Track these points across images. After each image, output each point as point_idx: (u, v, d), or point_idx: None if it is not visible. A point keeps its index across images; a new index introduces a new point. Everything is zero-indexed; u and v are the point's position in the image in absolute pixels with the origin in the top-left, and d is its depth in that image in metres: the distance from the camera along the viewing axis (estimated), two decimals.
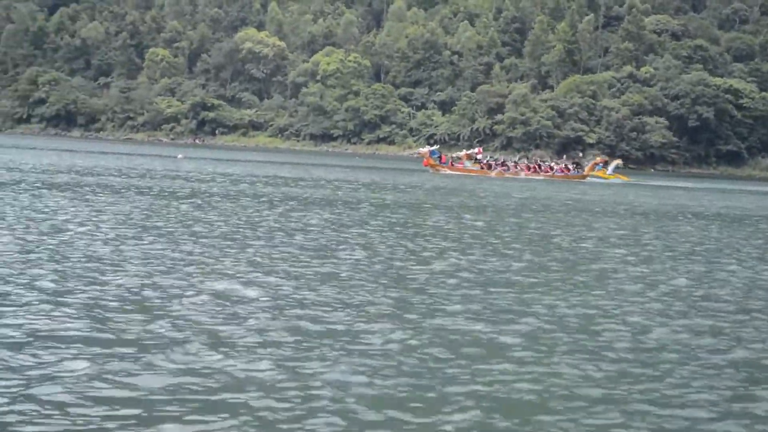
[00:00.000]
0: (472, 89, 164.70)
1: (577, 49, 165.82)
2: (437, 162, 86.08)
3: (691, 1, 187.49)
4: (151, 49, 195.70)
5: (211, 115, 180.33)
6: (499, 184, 68.69)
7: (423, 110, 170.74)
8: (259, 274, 16.98)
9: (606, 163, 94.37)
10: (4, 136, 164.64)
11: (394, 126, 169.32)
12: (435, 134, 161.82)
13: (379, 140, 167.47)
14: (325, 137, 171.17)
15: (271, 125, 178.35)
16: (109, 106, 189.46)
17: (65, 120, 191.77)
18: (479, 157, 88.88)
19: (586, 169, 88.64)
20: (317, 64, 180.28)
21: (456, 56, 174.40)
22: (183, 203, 32.89)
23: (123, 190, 37.30)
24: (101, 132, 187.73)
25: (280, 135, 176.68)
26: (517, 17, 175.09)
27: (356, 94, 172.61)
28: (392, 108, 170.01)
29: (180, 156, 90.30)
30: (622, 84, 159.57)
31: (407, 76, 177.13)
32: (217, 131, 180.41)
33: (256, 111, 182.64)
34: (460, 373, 10.82)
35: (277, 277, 16.78)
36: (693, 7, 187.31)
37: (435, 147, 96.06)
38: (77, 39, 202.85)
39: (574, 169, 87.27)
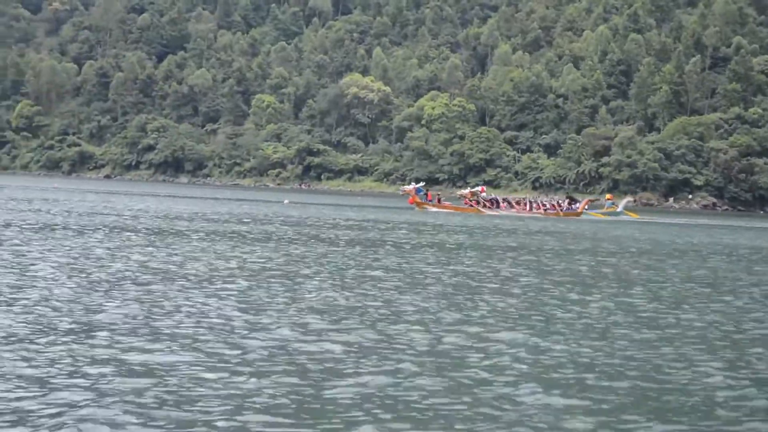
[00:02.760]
0: (578, 132, 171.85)
1: (683, 91, 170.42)
2: (423, 200, 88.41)
3: None
4: (257, 96, 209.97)
5: (317, 160, 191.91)
6: (510, 219, 72.45)
7: (528, 153, 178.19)
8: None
9: (593, 203, 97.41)
10: (115, 182, 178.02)
11: (499, 169, 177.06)
12: (540, 177, 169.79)
13: (484, 184, 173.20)
14: (431, 181, 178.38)
15: (377, 170, 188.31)
16: (216, 152, 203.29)
17: (173, 166, 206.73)
18: (483, 195, 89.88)
19: (580, 206, 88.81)
20: (422, 108, 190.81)
21: (561, 99, 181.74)
22: (382, 251, 32.78)
23: (307, 239, 37.46)
24: (208, 178, 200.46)
25: (385, 179, 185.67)
26: (622, 59, 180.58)
27: (461, 137, 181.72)
28: (497, 151, 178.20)
29: (286, 201, 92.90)
30: (729, 125, 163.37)
31: (512, 119, 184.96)
32: (322, 176, 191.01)
33: (362, 156, 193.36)
34: None
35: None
36: None
37: (420, 184, 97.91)
38: (185, 86, 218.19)
39: (567, 206, 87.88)
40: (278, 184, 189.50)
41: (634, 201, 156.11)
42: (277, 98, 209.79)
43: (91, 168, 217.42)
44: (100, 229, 37.29)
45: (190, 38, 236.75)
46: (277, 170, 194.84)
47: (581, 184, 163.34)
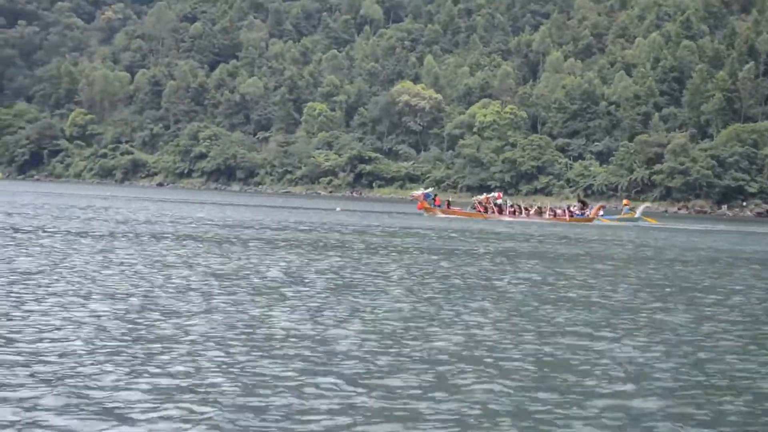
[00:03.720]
0: (630, 139, 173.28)
1: (737, 98, 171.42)
2: (431, 205, 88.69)
3: None
4: (309, 104, 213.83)
5: (368, 168, 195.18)
6: (522, 226, 72.61)
7: (580, 161, 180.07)
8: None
9: (603, 209, 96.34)
10: (168, 190, 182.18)
11: (551, 177, 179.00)
12: (592, 185, 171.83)
13: (536, 191, 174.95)
14: (482, 189, 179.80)
15: (428, 177, 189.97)
16: (268, 160, 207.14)
17: (225, 174, 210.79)
18: (499, 201, 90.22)
19: (592, 212, 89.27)
20: (473, 115, 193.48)
21: (613, 106, 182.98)
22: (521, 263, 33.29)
23: (380, 247, 37.87)
24: (260, 186, 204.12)
25: (437, 187, 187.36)
26: (675, 66, 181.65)
27: (513, 145, 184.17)
28: (549, 159, 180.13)
29: (338, 209, 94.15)
30: None
31: (564, 126, 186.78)
32: (374, 184, 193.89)
33: (413, 163, 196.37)
34: None
35: None
36: None
37: (429, 190, 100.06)
38: (237, 94, 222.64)
39: (579, 212, 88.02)
40: (330, 192, 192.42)
41: (686, 208, 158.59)
42: (329, 106, 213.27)
43: (143, 176, 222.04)
44: (190, 237, 39.11)
45: (241, 47, 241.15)
46: (328, 178, 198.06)
47: (633, 191, 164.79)
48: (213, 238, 39.62)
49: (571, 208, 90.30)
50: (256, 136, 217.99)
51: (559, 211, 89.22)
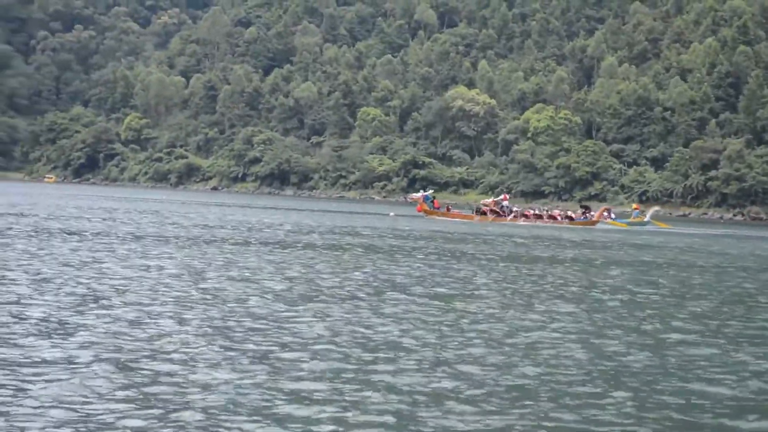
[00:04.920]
0: (685, 145, 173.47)
1: None
2: (431, 207, 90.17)
3: None
4: (362, 108, 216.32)
5: (422, 172, 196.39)
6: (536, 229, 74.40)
7: (635, 167, 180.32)
8: None
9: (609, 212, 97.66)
10: (223, 194, 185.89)
11: (605, 183, 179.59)
12: (647, 191, 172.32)
13: (590, 197, 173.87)
14: (536, 194, 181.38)
15: (482, 182, 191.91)
16: (322, 164, 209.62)
17: (279, 178, 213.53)
18: (505, 203, 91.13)
19: (596, 215, 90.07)
20: (528, 121, 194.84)
21: (668, 112, 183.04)
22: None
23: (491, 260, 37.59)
24: (313, 190, 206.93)
25: (490, 192, 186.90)
26: (731, 72, 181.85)
27: (567, 150, 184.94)
28: (604, 165, 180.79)
29: (391, 214, 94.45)
30: None
31: (619, 132, 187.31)
32: (427, 189, 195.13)
33: (467, 168, 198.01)
34: None
35: None
36: None
37: (429, 192, 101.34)
38: (291, 99, 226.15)
39: (581, 216, 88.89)
40: (383, 197, 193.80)
41: (742, 214, 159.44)
42: (383, 111, 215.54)
43: (197, 180, 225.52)
44: (262, 243, 40.80)
45: (296, 51, 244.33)
46: (382, 183, 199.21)
47: (688, 197, 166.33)
48: (308, 244, 41.13)
49: (573, 212, 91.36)
50: (310, 141, 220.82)
51: (560, 216, 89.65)
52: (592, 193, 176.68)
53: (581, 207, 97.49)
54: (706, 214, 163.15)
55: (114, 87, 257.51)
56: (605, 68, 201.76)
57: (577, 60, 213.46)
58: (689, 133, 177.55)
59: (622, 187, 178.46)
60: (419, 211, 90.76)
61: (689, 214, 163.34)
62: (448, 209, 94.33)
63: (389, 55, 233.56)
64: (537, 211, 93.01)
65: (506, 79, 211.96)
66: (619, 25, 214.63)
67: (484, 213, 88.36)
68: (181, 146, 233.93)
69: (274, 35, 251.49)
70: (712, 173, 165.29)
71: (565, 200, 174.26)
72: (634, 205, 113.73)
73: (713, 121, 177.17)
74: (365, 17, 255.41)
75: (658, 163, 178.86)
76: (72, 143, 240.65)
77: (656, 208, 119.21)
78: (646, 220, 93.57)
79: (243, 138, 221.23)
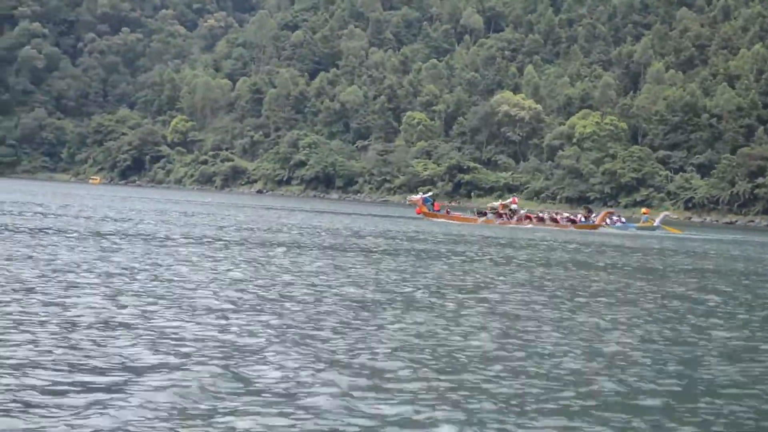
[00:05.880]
0: (732, 152, 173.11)
1: None
2: (430, 209, 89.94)
3: None
4: (408, 113, 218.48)
5: (467, 177, 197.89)
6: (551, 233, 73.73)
7: (681, 173, 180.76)
8: None
9: (611, 215, 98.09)
10: (269, 197, 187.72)
11: (651, 189, 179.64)
12: (693, 198, 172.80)
13: (636, 203, 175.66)
14: (581, 200, 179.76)
15: (527, 188, 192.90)
16: (367, 168, 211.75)
17: (324, 182, 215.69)
18: (513, 206, 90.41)
19: (598, 219, 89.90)
20: (573, 126, 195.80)
21: (715, 119, 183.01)
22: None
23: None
24: (358, 194, 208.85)
25: (535, 198, 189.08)
26: None
27: (613, 156, 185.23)
28: (650, 171, 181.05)
29: None
30: None
31: (665, 138, 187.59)
32: (472, 193, 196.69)
33: (512, 174, 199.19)
34: None
35: None
36: None
37: (428, 194, 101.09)
38: (336, 103, 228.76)
39: (583, 219, 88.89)
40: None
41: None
42: (428, 115, 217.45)
43: (242, 183, 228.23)
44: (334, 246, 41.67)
45: (342, 55, 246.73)
46: (426, 187, 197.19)
47: (735, 204, 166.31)
48: (379, 249, 41.73)
49: (572, 218, 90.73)
50: (355, 145, 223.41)
51: (562, 219, 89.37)
52: (638, 200, 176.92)
53: (584, 209, 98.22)
54: (753, 221, 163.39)
55: (160, 89, 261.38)
56: (652, 74, 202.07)
57: (624, 66, 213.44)
58: (736, 140, 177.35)
59: (668, 193, 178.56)
60: (418, 213, 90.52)
61: (736, 221, 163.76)
62: (448, 212, 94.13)
63: (435, 60, 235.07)
64: (543, 215, 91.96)
65: (552, 85, 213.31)
66: (666, 30, 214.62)
67: (485, 215, 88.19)
68: (226, 149, 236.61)
69: (320, 39, 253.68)
70: (759, 180, 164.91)
71: (610, 206, 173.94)
72: (643, 210, 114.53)
73: (761, 128, 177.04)
74: (411, 21, 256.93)
75: (704, 170, 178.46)
76: (118, 145, 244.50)
77: (666, 212, 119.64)
78: (655, 225, 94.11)
79: (288, 141, 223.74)
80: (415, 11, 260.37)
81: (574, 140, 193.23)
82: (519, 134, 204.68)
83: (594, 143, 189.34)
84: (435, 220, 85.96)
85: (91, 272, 24.20)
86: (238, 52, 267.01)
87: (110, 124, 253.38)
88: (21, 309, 17.43)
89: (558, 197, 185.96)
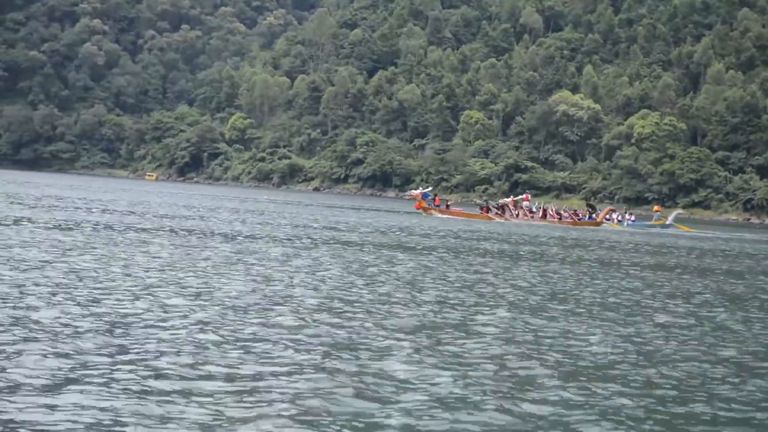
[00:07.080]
0: None
1: None
2: (430, 205, 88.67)
3: None
4: (465, 112, 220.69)
5: (524, 177, 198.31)
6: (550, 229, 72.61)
7: (740, 174, 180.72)
8: None
9: (613, 213, 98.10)
10: (326, 195, 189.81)
11: (710, 190, 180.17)
12: (752, 199, 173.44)
13: (694, 204, 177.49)
14: (639, 200, 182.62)
15: (584, 188, 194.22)
16: (424, 167, 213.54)
17: (381, 180, 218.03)
18: (526, 204, 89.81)
19: (600, 216, 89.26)
20: (632, 126, 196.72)
21: None
22: None
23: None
24: None
25: (592, 197, 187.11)
26: None
27: (671, 157, 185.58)
28: (708, 172, 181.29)
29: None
30: None
31: (725, 139, 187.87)
32: (529, 193, 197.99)
33: (569, 173, 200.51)
34: None
35: None
36: None
37: (428, 189, 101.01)
38: (394, 101, 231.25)
39: (586, 216, 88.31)
40: (485, 201, 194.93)
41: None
42: (486, 114, 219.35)
43: (300, 180, 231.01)
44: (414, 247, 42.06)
45: (400, 54, 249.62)
46: (484, 186, 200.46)
47: None
48: (469, 250, 41.01)
49: (578, 212, 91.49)
50: (413, 143, 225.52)
51: (565, 215, 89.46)
52: (696, 200, 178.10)
53: (588, 206, 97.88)
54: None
55: (219, 87, 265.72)
56: (712, 75, 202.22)
57: (684, 66, 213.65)
58: None
59: (727, 194, 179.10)
60: (418, 208, 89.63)
61: None
62: (447, 206, 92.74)
63: (493, 59, 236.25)
64: (549, 210, 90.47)
65: (611, 84, 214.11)
66: (726, 31, 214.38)
67: (488, 210, 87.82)
68: (284, 146, 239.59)
69: (379, 37, 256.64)
70: None
71: (668, 207, 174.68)
72: (656, 208, 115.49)
73: None
74: (470, 20, 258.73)
75: (764, 171, 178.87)
76: (177, 142, 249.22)
77: (679, 210, 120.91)
78: (668, 222, 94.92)
79: (346, 139, 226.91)
80: (474, 10, 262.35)
81: (633, 140, 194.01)
82: (577, 134, 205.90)
83: (653, 143, 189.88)
84: (435, 215, 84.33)
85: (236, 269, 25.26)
86: (297, 49, 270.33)
87: (169, 120, 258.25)
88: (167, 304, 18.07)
89: (616, 197, 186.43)
